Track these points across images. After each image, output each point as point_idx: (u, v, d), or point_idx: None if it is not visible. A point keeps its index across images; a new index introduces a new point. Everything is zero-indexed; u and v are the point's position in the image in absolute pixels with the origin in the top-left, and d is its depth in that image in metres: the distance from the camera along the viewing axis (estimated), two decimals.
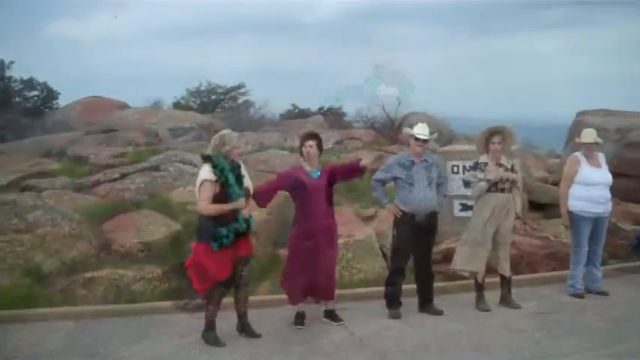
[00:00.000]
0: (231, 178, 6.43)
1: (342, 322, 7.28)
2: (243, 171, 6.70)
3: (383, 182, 7.74)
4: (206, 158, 6.48)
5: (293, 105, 22.05)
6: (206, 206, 6.39)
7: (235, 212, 6.47)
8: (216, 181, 6.35)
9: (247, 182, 6.72)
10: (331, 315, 7.36)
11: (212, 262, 6.40)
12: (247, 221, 6.62)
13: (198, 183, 6.47)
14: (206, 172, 6.39)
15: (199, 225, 6.53)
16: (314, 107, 22.07)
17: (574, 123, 14.61)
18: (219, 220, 6.38)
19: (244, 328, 6.89)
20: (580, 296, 8.22)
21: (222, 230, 6.35)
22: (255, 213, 9.31)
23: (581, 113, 15.54)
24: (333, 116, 20.79)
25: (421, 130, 7.55)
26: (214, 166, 6.38)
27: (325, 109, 22.35)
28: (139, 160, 12.82)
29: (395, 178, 7.62)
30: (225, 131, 6.85)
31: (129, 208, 9.79)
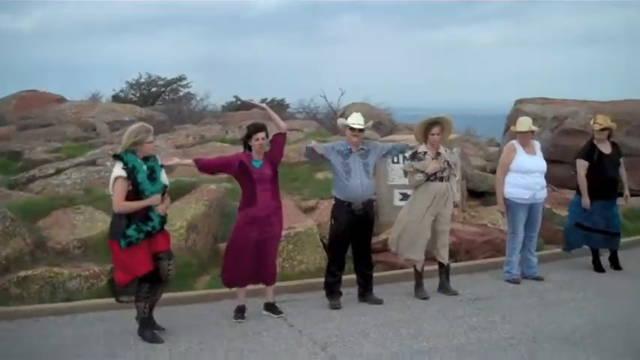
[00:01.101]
0: (143, 175, 6.32)
1: (282, 315, 7.27)
2: (160, 166, 6.59)
3: (314, 155, 7.65)
4: (116, 156, 6.38)
5: (235, 97, 21.94)
6: (118, 203, 6.28)
7: (148, 209, 6.38)
8: (128, 178, 6.26)
9: (164, 178, 6.61)
10: (271, 307, 7.35)
11: (128, 258, 6.32)
12: (163, 217, 6.53)
13: (111, 180, 6.37)
14: (118, 169, 6.30)
15: (112, 221, 6.45)
16: (257, 99, 21.89)
17: (512, 111, 14.86)
18: (131, 217, 6.28)
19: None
20: (516, 282, 8.40)
21: (129, 231, 6.26)
22: (194, 207, 9.32)
23: (519, 102, 15.81)
24: (276, 107, 20.69)
25: (356, 120, 7.57)
26: (125, 164, 6.28)
27: (268, 100, 22.29)
28: (75, 155, 12.55)
29: (331, 165, 7.61)
30: (135, 125, 6.72)
31: (65, 204, 9.55)
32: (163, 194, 6.58)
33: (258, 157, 7.16)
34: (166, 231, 6.76)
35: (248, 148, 7.21)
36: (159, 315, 6.81)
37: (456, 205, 8.65)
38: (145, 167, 6.39)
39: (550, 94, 17.11)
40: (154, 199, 6.39)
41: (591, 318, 7.01)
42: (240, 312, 7.21)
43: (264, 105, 8.11)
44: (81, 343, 6.58)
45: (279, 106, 21.62)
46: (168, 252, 6.70)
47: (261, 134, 7.11)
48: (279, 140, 7.36)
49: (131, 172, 6.27)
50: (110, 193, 6.45)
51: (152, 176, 6.43)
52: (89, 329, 7.03)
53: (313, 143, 7.74)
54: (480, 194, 11.34)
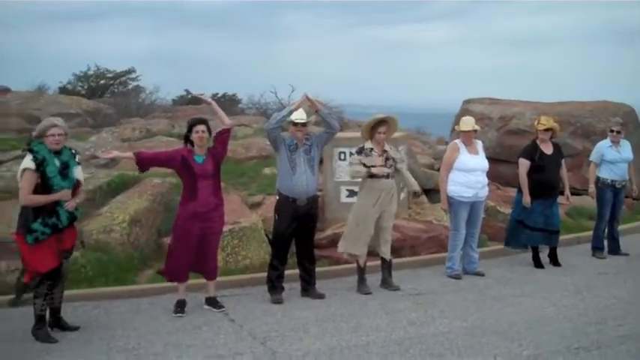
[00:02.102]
0: (53, 169, 6.17)
1: (223, 309, 7.24)
2: (75, 161, 6.46)
3: (275, 130, 7.56)
4: (28, 148, 6.20)
5: (186, 90, 21.72)
6: (24, 196, 6.13)
7: (56, 205, 6.24)
8: (37, 170, 6.10)
9: (78, 174, 6.48)
10: (212, 302, 7.32)
11: (32, 254, 6.18)
12: (73, 214, 6.42)
13: (19, 172, 6.20)
14: (27, 160, 6.14)
15: (19, 215, 6.26)
16: (208, 93, 21.76)
17: (461, 111, 15.04)
18: (38, 212, 6.14)
19: (58, 323, 6.61)
20: (457, 277, 8.52)
21: (35, 225, 6.12)
22: (138, 201, 9.21)
23: (467, 101, 16.02)
24: (228, 102, 20.65)
25: (299, 116, 7.58)
26: (35, 156, 6.12)
27: (219, 95, 22.15)
28: (17, 148, 12.26)
29: (279, 157, 7.61)
30: (46, 119, 6.57)
31: (4, 197, 9.34)
32: (75, 190, 6.43)
33: (201, 152, 7.11)
34: (75, 228, 6.61)
35: (190, 143, 7.16)
36: (99, 310, 6.71)
37: (418, 196, 8.69)
38: (56, 161, 6.23)
39: (499, 94, 17.40)
40: (62, 194, 6.23)
41: (528, 313, 7.13)
42: (180, 306, 7.15)
43: (209, 99, 8.09)
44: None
45: (230, 101, 21.54)
46: (72, 250, 6.59)
47: (201, 127, 7.06)
48: (223, 136, 7.32)
49: (40, 165, 6.10)
50: (18, 184, 6.22)
51: (64, 171, 6.28)
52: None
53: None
54: (426, 192, 11.44)
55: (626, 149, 9.71)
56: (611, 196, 9.59)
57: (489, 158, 12.51)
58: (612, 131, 9.73)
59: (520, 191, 9.11)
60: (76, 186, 6.41)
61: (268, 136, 7.74)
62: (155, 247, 8.90)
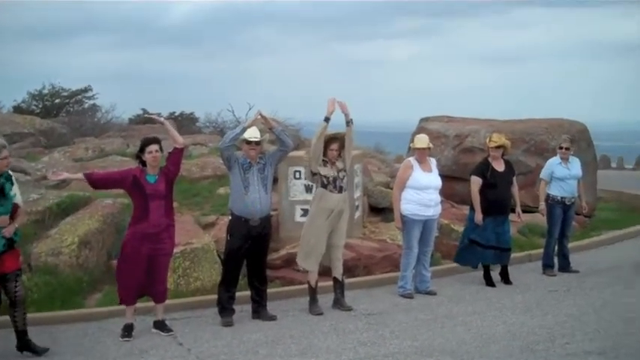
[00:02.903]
0: None
1: (171, 332, 7.14)
2: (13, 185, 6.35)
3: (229, 149, 7.53)
4: None
5: (143, 109, 21.51)
6: None
7: None
8: None
9: (17, 197, 6.38)
10: (160, 325, 7.21)
11: None
12: (12, 239, 6.29)
13: None
14: None
15: None
16: (165, 112, 21.62)
17: (418, 129, 15.15)
18: None
19: (25, 346, 6.48)
20: (409, 297, 8.52)
21: None
22: (88, 222, 9.07)
23: (424, 119, 16.17)
24: (185, 121, 20.51)
25: (252, 134, 7.54)
26: None
27: (177, 113, 21.98)
28: None
29: (231, 176, 7.55)
30: None
31: None
32: (13, 214, 6.30)
33: (153, 172, 7.04)
34: (16, 250, 6.46)
35: (142, 162, 7.08)
36: (44, 335, 6.55)
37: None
38: None
39: (462, 112, 17.58)
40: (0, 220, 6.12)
41: (478, 331, 7.15)
42: (128, 330, 7.04)
43: (162, 119, 8.03)
44: None
45: (188, 119, 21.40)
46: (16, 272, 6.41)
47: (154, 147, 7.00)
48: (175, 155, 7.26)
49: None
50: None
51: (2, 195, 6.16)
52: None
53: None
54: (381, 210, 11.47)
55: (575, 166, 9.85)
56: (560, 213, 9.71)
57: (445, 176, 12.63)
58: (561, 148, 9.87)
59: (472, 209, 9.18)
60: (13, 210, 6.28)
61: (221, 154, 7.70)
62: (105, 270, 8.76)
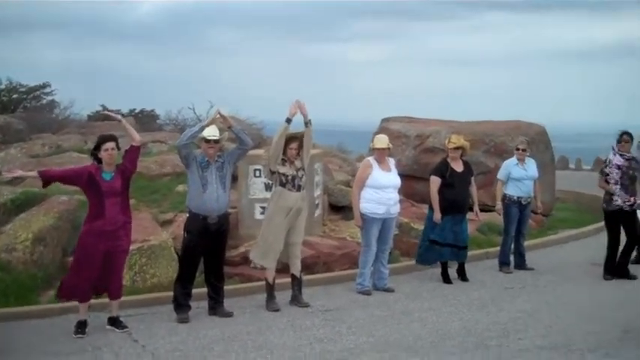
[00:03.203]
0: None
1: (126, 329, 7.07)
2: None
3: (187, 147, 7.48)
4: None
5: (102, 106, 21.16)
6: None
7: None
8: None
9: None
10: (115, 322, 7.13)
11: None
12: None
13: None
14: None
15: None
16: (125, 109, 21.38)
17: (379, 129, 15.25)
18: None
19: None
20: (367, 293, 8.57)
21: None
22: (43, 219, 8.95)
23: (385, 120, 16.29)
24: (146, 118, 20.30)
25: (211, 132, 7.52)
26: None
27: (137, 110, 21.75)
28: None
29: (189, 174, 7.53)
30: None
31: None
32: None
33: (109, 169, 6.97)
34: None
35: (98, 159, 7.01)
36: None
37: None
38: None
39: (423, 113, 17.73)
40: None
41: (434, 327, 7.23)
42: (81, 327, 6.95)
43: (118, 116, 7.95)
44: None
45: (148, 117, 21.18)
46: None
47: (110, 144, 6.93)
48: (132, 153, 7.21)
49: None
50: None
51: None
52: None
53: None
54: (341, 208, 11.50)
55: (531, 167, 10.01)
56: (517, 212, 9.86)
57: (406, 176, 12.72)
58: (518, 149, 10.02)
59: (431, 208, 9.26)
60: None
61: (179, 152, 7.65)
62: (60, 266, 8.63)
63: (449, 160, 9.32)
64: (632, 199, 9.23)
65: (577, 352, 6.39)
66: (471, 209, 9.56)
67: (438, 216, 9.08)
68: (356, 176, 9.02)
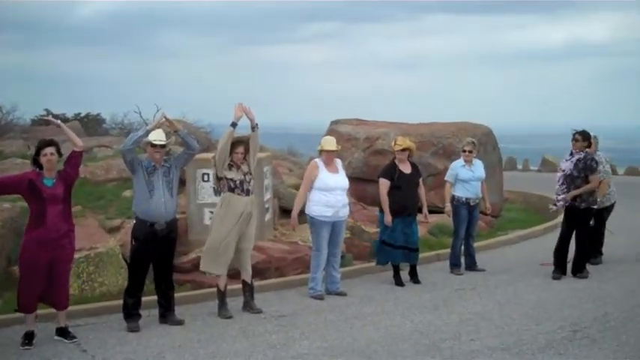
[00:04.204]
0: None
1: (75, 340, 6.90)
2: None
3: (131, 152, 7.35)
4: None
5: (46, 110, 20.69)
6: None
7: None
8: None
9: None
10: (63, 332, 6.95)
11: None
12: None
13: None
14: None
15: None
16: (71, 113, 20.89)
17: (328, 131, 15.24)
18: None
19: None
20: (320, 298, 8.53)
21: None
22: None
23: (334, 122, 16.31)
24: (91, 122, 19.90)
25: (157, 136, 7.40)
26: None
27: (82, 115, 21.31)
28: None
29: (135, 179, 7.40)
30: None
31: None
32: None
33: (50, 176, 6.80)
34: None
35: (39, 165, 6.82)
36: None
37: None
38: None
39: (372, 116, 17.78)
40: None
41: (387, 331, 7.23)
42: (29, 338, 6.75)
43: (58, 121, 7.76)
44: None
45: (94, 121, 20.78)
46: None
47: (50, 149, 6.77)
48: (74, 159, 7.05)
49: None
50: None
51: None
52: None
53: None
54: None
55: (478, 168, 10.11)
56: (465, 213, 9.95)
57: (356, 178, 12.73)
58: (465, 151, 10.12)
59: (382, 211, 9.28)
60: None
61: (124, 157, 7.50)
62: (5, 276, 8.38)
63: (397, 162, 9.36)
64: (562, 196, 9.37)
65: (528, 353, 6.46)
66: (420, 211, 9.60)
67: (388, 219, 9.11)
68: (304, 178, 8.99)
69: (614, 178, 11.92)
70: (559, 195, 9.47)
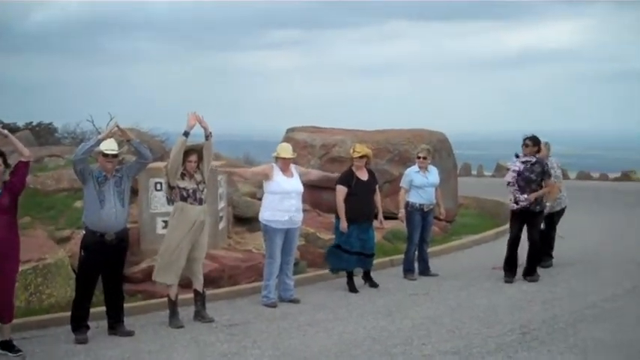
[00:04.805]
0: None
1: (20, 353, 6.73)
2: None
3: (82, 162, 7.23)
4: None
5: None
6: None
7: None
8: None
9: None
10: (8, 346, 6.78)
11: None
12: None
13: None
14: None
15: None
16: (22, 122, 20.45)
17: (284, 138, 15.20)
18: None
19: None
20: (272, 305, 8.49)
21: None
22: None
23: (290, 130, 16.28)
24: (43, 131, 19.53)
25: (108, 146, 7.30)
26: None
27: (34, 124, 20.90)
28: None
29: (85, 189, 7.29)
30: None
31: None
32: None
33: None
34: None
35: None
36: None
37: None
38: None
39: (324, 123, 17.77)
40: None
41: (340, 337, 7.22)
42: None
43: (5, 131, 7.60)
44: None
45: (46, 130, 20.40)
46: None
47: None
48: (20, 169, 6.92)
49: None
50: None
51: None
52: None
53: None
54: (246, 220, 11.40)
55: (433, 174, 10.18)
56: (419, 219, 10.01)
57: (312, 185, 12.72)
58: (419, 157, 10.18)
59: (338, 217, 9.30)
60: None
61: (74, 167, 7.38)
62: None
63: (354, 169, 9.39)
64: (524, 196, 9.51)
65: (478, 356, 6.53)
66: (376, 217, 9.63)
67: (344, 225, 9.13)
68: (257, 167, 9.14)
69: (565, 182, 12.12)
70: (518, 196, 9.57)
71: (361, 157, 9.35)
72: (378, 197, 9.59)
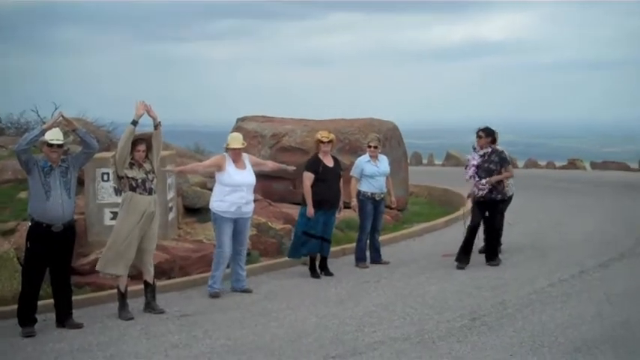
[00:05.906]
0: None
1: None
2: None
3: (26, 152, 7.09)
4: None
5: None
6: None
7: None
8: None
9: None
10: None
11: None
12: None
13: None
14: None
15: None
16: None
17: (234, 128, 15.10)
18: None
19: None
20: (216, 296, 8.42)
21: None
22: None
23: (241, 119, 16.18)
24: None
25: (53, 136, 7.14)
26: None
27: None
28: None
29: (30, 180, 7.15)
30: None
31: None
32: None
33: None
34: None
35: None
36: None
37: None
38: None
39: (274, 112, 17.69)
40: None
41: (291, 326, 7.22)
42: None
43: None
44: None
45: None
46: None
47: None
48: None
49: None
50: None
51: None
52: None
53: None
54: (197, 210, 11.29)
55: (384, 163, 10.23)
56: (371, 208, 10.06)
57: (263, 175, 12.66)
58: (370, 147, 10.22)
59: (304, 203, 9.31)
60: None
61: (18, 158, 7.21)
62: None
63: (320, 155, 9.45)
64: (484, 180, 9.65)
65: (429, 341, 6.60)
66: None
67: (311, 211, 9.21)
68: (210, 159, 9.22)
69: (513, 170, 12.30)
70: (480, 186, 9.70)
71: (329, 141, 9.41)
72: (341, 184, 9.64)
